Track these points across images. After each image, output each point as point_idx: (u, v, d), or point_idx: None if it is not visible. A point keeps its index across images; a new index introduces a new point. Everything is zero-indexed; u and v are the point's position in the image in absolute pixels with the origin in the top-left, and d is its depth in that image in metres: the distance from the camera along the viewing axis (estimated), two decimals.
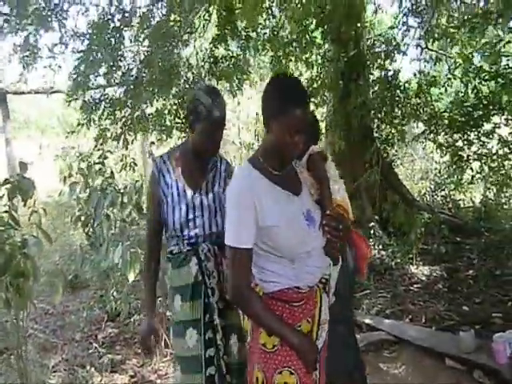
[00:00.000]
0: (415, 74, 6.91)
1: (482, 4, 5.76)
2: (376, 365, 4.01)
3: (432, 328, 4.51)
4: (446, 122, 6.63)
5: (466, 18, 5.89)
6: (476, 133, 6.43)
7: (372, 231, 6.69)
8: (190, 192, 2.37)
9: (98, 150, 5.08)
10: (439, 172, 8.39)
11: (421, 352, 4.11)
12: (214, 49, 6.54)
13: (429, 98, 6.71)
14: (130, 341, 4.84)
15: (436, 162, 7.80)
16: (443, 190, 8.21)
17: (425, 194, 8.66)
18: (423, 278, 5.86)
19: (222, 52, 6.66)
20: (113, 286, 5.20)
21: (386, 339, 4.37)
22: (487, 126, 6.35)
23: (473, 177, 6.88)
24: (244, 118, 10.81)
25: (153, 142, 6.90)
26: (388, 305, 5.16)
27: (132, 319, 5.09)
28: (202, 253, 2.36)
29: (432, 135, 6.82)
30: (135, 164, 6.14)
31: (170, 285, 2.42)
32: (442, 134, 6.68)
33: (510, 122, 6.14)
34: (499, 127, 6.36)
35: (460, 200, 8.30)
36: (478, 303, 5.00)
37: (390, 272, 6.05)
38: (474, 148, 6.53)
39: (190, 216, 2.33)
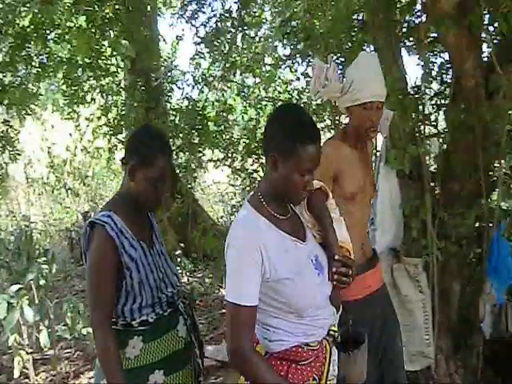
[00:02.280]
0: (213, 103, 7.21)
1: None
2: None
3: None
4: (241, 147, 7.01)
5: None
6: None
7: (178, 259, 6.73)
8: (150, 250, 2.07)
9: None
10: (234, 195, 8.79)
11: None
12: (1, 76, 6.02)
13: (227, 125, 7.04)
14: None
15: (232, 186, 8.18)
16: None
17: (222, 217, 9.00)
18: None
19: (10, 79, 6.17)
20: None
21: (210, 365, 4.41)
22: None
23: None
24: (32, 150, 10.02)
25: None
26: (206, 331, 5.23)
27: None
28: (183, 311, 2.12)
29: (229, 160, 7.12)
30: None
31: (140, 364, 1.99)
32: (239, 159, 7.02)
33: None
34: None
35: None
36: None
37: (203, 298, 6.15)
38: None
39: (160, 275, 2.05)
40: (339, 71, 2.35)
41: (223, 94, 7.38)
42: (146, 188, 1.96)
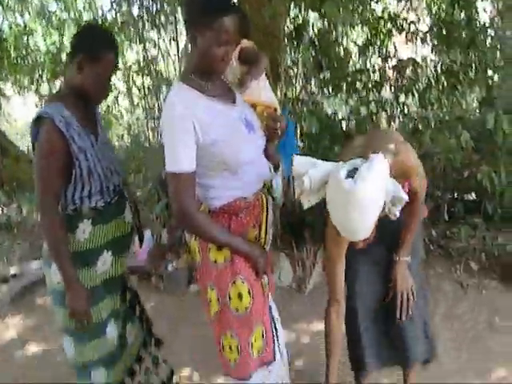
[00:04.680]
0: (11, 27, 6.90)
1: None
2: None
3: None
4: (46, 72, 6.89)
5: None
6: None
7: None
8: (96, 140, 2.11)
9: None
10: None
11: None
12: None
13: (29, 50, 6.82)
14: None
15: None
16: None
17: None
18: None
19: None
20: None
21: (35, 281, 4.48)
22: None
23: None
24: None
25: None
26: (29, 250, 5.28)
27: None
28: (128, 199, 2.24)
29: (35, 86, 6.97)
30: None
31: (89, 246, 2.08)
32: (45, 84, 6.90)
33: None
34: None
35: None
36: None
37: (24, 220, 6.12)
38: None
39: (107, 164, 2.11)
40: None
41: (22, 17, 7.06)
42: (93, 81, 2.02)
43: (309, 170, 1.85)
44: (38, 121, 1.95)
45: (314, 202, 1.91)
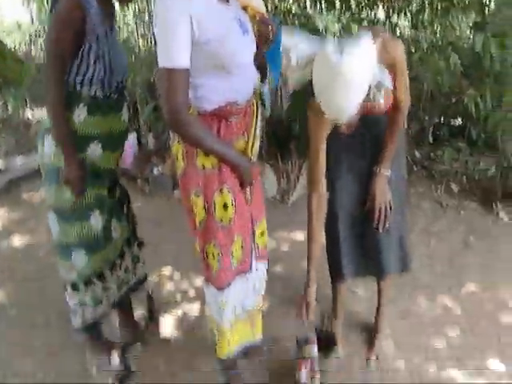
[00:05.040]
0: None
1: None
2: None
3: None
4: None
5: None
6: None
7: None
8: (110, 30, 2.06)
9: None
10: (32, 22, 8.27)
11: None
12: None
13: None
14: None
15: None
16: None
17: (19, 45, 8.51)
18: None
19: None
20: None
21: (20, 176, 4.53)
22: None
23: None
24: None
25: None
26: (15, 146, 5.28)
27: None
28: (127, 99, 2.23)
29: None
30: None
31: (82, 131, 2.07)
32: None
33: None
34: None
35: None
36: None
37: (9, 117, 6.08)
38: None
39: (114, 59, 2.07)
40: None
41: None
42: None
43: (298, 44, 1.83)
44: None
45: (299, 81, 1.89)
